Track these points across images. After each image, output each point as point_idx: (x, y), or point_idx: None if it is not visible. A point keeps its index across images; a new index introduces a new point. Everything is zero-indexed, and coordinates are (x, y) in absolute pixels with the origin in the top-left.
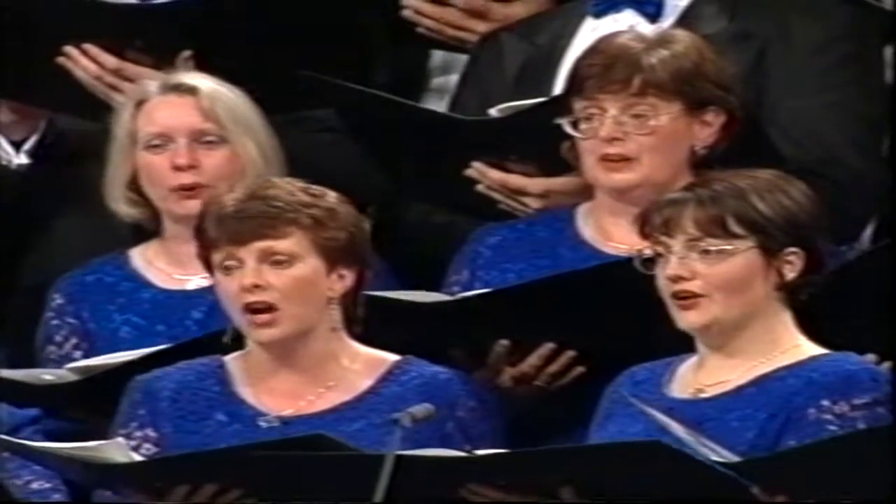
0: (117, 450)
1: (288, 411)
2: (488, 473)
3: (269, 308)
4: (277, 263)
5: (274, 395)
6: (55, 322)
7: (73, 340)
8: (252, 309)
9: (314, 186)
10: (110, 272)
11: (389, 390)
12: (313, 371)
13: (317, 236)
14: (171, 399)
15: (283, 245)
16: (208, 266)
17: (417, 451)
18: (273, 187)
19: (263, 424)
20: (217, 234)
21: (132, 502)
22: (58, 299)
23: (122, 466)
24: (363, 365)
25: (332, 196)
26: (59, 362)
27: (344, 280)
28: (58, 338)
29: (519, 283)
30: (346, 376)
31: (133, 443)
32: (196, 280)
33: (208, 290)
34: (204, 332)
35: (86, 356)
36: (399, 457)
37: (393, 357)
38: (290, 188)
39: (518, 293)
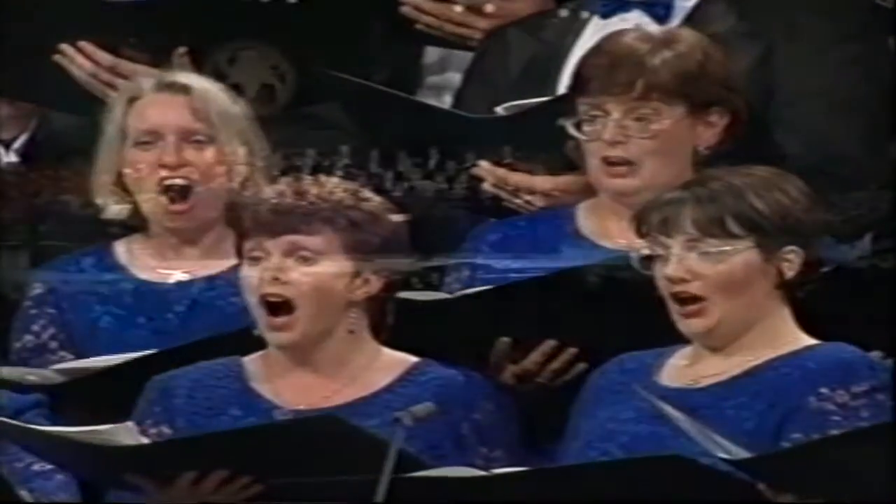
0: (126, 433)
1: (303, 406)
2: (506, 492)
3: (284, 303)
4: (303, 259)
5: (291, 390)
6: (33, 311)
7: (51, 330)
8: (268, 302)
9: (363, 190)
10: (92, 263)
11: (406, 390)
12: (331, 371)
13: (349, 237)
14: (187, 396)
15: (311, 241)
16: (240, 255)
17: (433, 471)
18: (317, 185)
19: (278, 416)
20: (251, 223)
21: (141, 502)
22: (37, 289)
23: (130, 449)
24: (382, 365)
25: (376, 200)
26: (35, 351)
27: (369, 284)
28: (35, 327)
29: (519, 280)
30: (363, 375)
31: (147, 440)
32: (178, 274)
33: (191, 284)
34: (185, 325)
35: (62, 347)
36: (413, 477)
37: (413, 359)
38: (334, 188)
39: (518, 290)
